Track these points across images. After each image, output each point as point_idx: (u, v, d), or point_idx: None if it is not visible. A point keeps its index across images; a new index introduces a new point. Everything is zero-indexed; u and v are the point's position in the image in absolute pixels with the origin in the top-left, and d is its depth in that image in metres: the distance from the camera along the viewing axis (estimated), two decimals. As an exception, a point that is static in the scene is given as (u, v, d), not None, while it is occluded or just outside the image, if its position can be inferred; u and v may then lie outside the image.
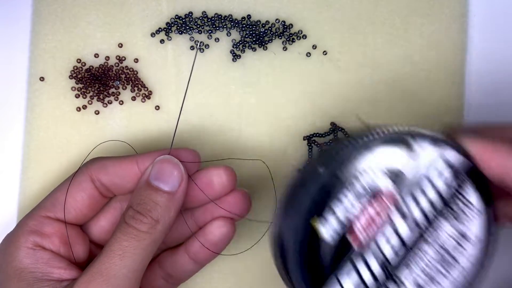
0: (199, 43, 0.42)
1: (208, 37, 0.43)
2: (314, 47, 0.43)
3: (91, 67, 0.43)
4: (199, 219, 0.39)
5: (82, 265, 0.37)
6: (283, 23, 0.43)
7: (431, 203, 0.29)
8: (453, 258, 0.29)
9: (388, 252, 0.28)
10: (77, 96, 0.43)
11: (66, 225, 0.37)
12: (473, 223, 0.29)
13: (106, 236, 0.39)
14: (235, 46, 0.43)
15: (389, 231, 0.28)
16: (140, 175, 0.37)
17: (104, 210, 0.39)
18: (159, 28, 0.43)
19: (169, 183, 0.36)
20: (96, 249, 0.39)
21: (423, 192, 0.29)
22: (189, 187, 0.37)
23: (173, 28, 0.43)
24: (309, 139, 0.43)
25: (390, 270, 0.28)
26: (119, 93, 0.43)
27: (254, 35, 0.43)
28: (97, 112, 0.43)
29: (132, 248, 0.34)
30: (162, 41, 0.43)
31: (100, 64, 0.43)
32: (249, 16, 0.43)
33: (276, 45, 0.43)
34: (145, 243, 0.34)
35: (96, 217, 0.39)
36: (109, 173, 0.37)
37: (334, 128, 0.43)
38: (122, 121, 0.43)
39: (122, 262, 0.33)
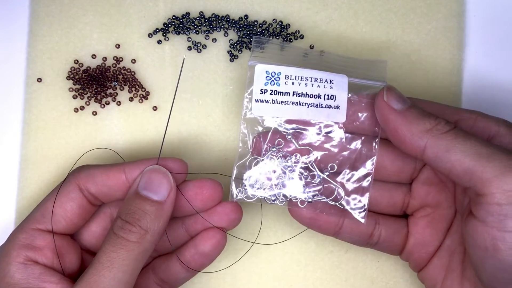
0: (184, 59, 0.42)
1: (205, 38, 0.43)
2: (312, 47, 0.43)
3: (88, 68, 0.43)
4: (190, 228, 0.39)
5: (75, 276, 0.37)
6: (280, 23, 0.43)
7: None
8: None
9: None
10: (74, 97, 0.43)
11: (57, 236, 0.36)
12: None
13: (98, 242, 0.39)
14: (232, 46, 0.43)
15: None
16: (128, 184, 0.37)
17: (94, 216, 0.39)
18: (156, 28, 0.43)
19: (158, 192, 0.36)
20: (88, 256, 0.39)
21: None
22: (177, 197, 0.37)
23: (171, 29, 0.43)
24: (307, 139, 0.43)
25: None
26: (117, 93, 0.43)
27: (252, 35, 0.43)
28: (94, 113, 0.43)
29: (121, 260, 0.33)
30: (159, 41, 0.43)
31: (98, 65, 0.43)
32: (246, 16, 0.43)
33: (273, 45, 0.43)
34: (134, 254, 0.34)
35: (86, 223, 0.39)
36: (97, 183, 0.37)
37: (332, 128, 0.43)
38: (120, 121, 0.43)
39: (111, 274, 0.33)
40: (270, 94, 0.38)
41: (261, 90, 0.38)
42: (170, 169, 0.37)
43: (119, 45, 0.43)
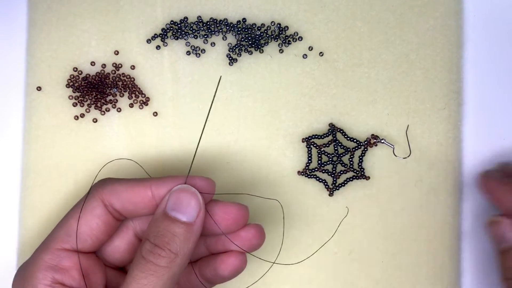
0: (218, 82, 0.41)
1: (204, 42, 0.43)
2: (310, 48, 0.43)
3: (87, 75, 0.43)
4: (211, 247, 0.38)
5: None
6: (278, 25, 0.43)
7: None
8: None
9: None
10: (74, 105, 0.43)
11: (83, 256, 0.35)
12: None
13: (121, 257, 0.38)
14: (231, 50, 0.43)
15: None
16: (154, 202, 0.35)
17: (117, 230, 0.38)
18: (155, 34, 0.43)
19: (186, 213, 0.34)
20: (111, 272, 0.38)
21: None
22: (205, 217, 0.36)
23: (169, 34, 0.43)
24: (308, 140, 0.43)
25: None
26: (117, 100, 0.43)
27: (250, 38, 0.43)
28: (95, 120, 0.43)
29: (151, 286, 0.32)
30: (158, 47, 0.43)
31: (97, 72, 0.43)
32: (244, 20, 0.43)
33: (272, 47, 0.43)
34: (164, 279, 0.33)
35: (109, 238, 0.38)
36: (122, 199, 0.35)
37: (333, 129, 0.43)
38: (120, 128, 0.43)
39: None
40: None
41: None
42: (199, 188, 0.35)
43: (117, 52, 0.43)
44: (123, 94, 0.43)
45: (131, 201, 0.35)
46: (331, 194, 0.43)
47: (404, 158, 0.43)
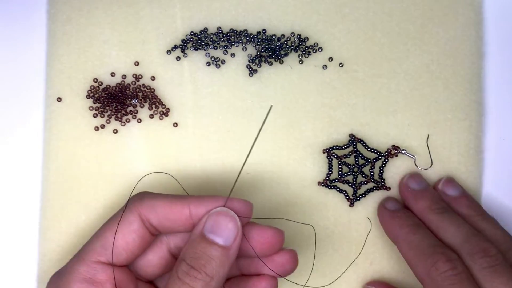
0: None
1: (224, 53, 0.43)
2: (330, 59, 0.43)
3: (108, 86, 0.43)
4: (243, 268, 0.38)
5: None
6: (298, 36, 0.43)
7: None
8: None
9: None
10: (94, 116, 0.43)
11: (117, 269, 0.35)
12: None
13: (153, 271, 0.38)
14: (251, 61, 0.43)
15: None
16: (191, 220, 0.35)
17: (151, 245, 0.38)
18: (175, 45, 0.43)
19: (224, 236, 0.34)
20: (141, 285, 0.38)
21: None
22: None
23: (189, 45, 0.43)
24: (329, 151, 0.43)
25: None
26: (137, 111, 0.43)
27: (270, 49, 0.43)
28: (115, 131, 0.43)
29: None
30: (178, 58, 0.43)
31: (117, 83, 0.43)
32: (264, 31, 0.43)
33: (292, 58, 0.43)
34: None
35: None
36: (159, 215, 0.35)
37: (353, 140, 0.43)
38: (140, 139, 0.43)
39: None
40: None
41: None
42: (236, 211, 0.35)
43: (138, 63, 0.43)
44: (143, 105, 0.43)
45: (168, 218, 0.35)
46: (351, 205, 0.43)
47: (425, 169, 0.43)
